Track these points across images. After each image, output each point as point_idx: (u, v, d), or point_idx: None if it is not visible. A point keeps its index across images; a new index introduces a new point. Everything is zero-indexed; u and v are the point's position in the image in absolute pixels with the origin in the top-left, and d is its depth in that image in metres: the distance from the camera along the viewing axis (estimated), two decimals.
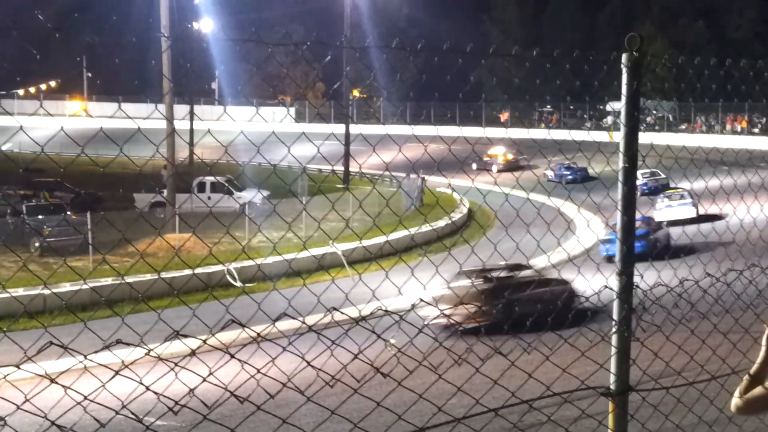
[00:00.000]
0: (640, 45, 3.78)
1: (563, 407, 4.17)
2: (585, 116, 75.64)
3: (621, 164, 3.82)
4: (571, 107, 76.68)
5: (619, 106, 3.87)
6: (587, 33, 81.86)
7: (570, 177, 45.03)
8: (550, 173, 47.77)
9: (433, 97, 55.61)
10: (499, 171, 48.93)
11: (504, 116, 77.60)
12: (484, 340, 4.08)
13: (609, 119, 69.87)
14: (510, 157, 54.32)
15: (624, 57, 3.81)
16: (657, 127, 65.13)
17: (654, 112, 66.91)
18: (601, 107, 73.19)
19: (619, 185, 3.85)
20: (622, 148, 3.82)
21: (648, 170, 40.40)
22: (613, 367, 3.88)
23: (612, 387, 3.87)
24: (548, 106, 77.96)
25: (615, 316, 3.86)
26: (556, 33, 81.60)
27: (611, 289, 3.89)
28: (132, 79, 71.57)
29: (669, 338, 4.69)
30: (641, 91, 3.85)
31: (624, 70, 3.81)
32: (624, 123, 3.82)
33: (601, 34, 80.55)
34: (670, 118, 69.31)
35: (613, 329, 3.86)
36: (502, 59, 67.24)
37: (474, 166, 44.82)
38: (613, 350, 3.87)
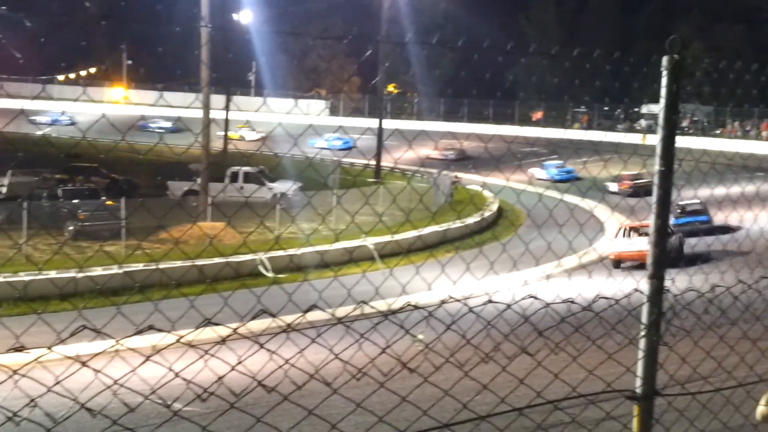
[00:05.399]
0: (680, 48, 3.75)
1: (588, 409, 4.16)
2: (620, 117, 74.96)
3: (657, 168, 3.79)
4: (606, 108, 76.00)
5: (656, 108, 3.83)
6: (625, 35, 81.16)
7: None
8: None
9: (467, 94, 55.36)
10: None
11: (536, 115, 77.04)
12: (512, 339, 4.07)
13: (643, 122, 69.17)
14: None
15: (664, 60, 3.77)
16: (691, 131, 64.35)
17: (689, 115, 66.16)
18: (636, 109, 72.51)
19: (655, 189, 3.82)
20: (659, 151, 3.79)
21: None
22: (639, 371, 3.86)
23: (638, 390, 3.85)
24: (582, 107, 77.31)
25: (644, 319, 3.84)
26: (594, 34, 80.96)
27: (641, 292, 3.87)
28: (173, 68, 72.06)
29: (697, 343, 4.67)
30: (680, 94, 3.82)
31: (664, 72, 3.78)
32: (662, 126, 3.79)
33: (638, 36, 79.86)
34: (705, 123, 68.46)
35: (642, 333, 3.84)
36: (539, 59, 66.95)
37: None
38: (641, 354, 3.85)
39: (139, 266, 21.18)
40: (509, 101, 73.22)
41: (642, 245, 24.94)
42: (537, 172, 46.46)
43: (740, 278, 4.85)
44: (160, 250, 22.73)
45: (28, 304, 16.61)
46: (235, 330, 3.61)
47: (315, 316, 3.59)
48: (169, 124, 58.09)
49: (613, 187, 40.32)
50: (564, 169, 46.79)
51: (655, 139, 3.83)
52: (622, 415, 4.01)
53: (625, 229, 27.00)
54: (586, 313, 4.03)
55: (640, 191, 34.85)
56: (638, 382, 3.85)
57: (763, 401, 3.51)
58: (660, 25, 75.06)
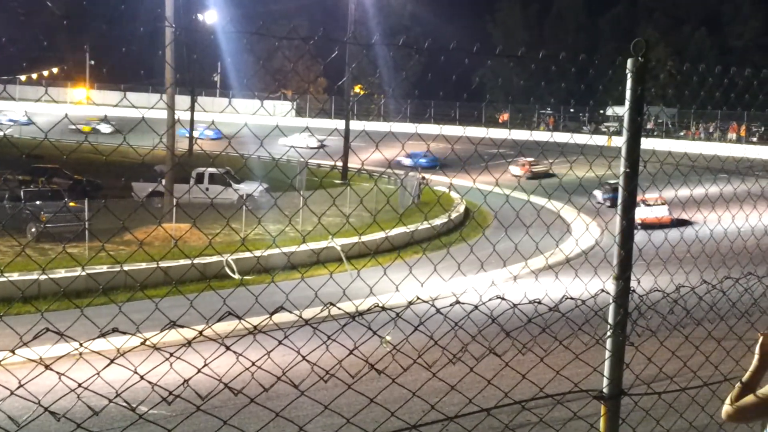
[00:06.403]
0: (645, 50, 3.77)
1: (555, 409, 4.17)
2: (585, 120, 75.64)
3: (622, 169, 3.81)
4: (572, 110, 76.65)
5: (621, 110, 3.86)
6: (590, 37, 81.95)
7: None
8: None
9: (434, 95, 56.19)
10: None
11: (503, 117, 77.49)
12: (479, 340, 4.08)
13: (609, 124, 70.03)
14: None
15: (629, 62, 3.80)
16: (656, 133, 65.26)
17: (654, 117, 67.05)
18: (602, 111, 73.27)
19: (620, 190, 3.84)
20: (624, 153, 3.81)
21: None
22: (606, 371, 3.89)
23: (605, 390, 3.87)
24: (548, 109, 77.90)
25: (610, 320, 3.86)
26: (559, 36, 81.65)
27: (608, 293, 3.89)
28: (136, 69, 71.47)
29: (663, 344, 4.70)
30: (644, 96, 3.84)
31: (629, 75, 3.80)
32: (626, 128, 3.81)
33: (603, 39, 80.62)
34: (669, 125, 69.33)
35: (608, 333, 3.87)
36: (505, 61, 67.33)
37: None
38: (608, 354, 3.87)
39: (103, 268, 20.98)
40: (476, 103, 73.56)
41: (660, 212, 33.59)
42: (404, 160, 52.00)
43: (704, 279, 4.89)
44: (125, 252, 22.53)
45: None
46: (200, 332, 3.58)
47: (282, 317, 3.57)
48: (24, 118, 61.01)
49: (515, 170, 47.22)
50: (429, 158, 53.43)
51: (620, 141, 3.85)
52: (590, 414, 4.03)
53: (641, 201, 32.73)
54: (553, 313, 4.05)
55: (536, 175, 43.11)
56: (605, 382, 3.87)
57: (728, 400, 3.54)
58: (624, 28, 75.87)
